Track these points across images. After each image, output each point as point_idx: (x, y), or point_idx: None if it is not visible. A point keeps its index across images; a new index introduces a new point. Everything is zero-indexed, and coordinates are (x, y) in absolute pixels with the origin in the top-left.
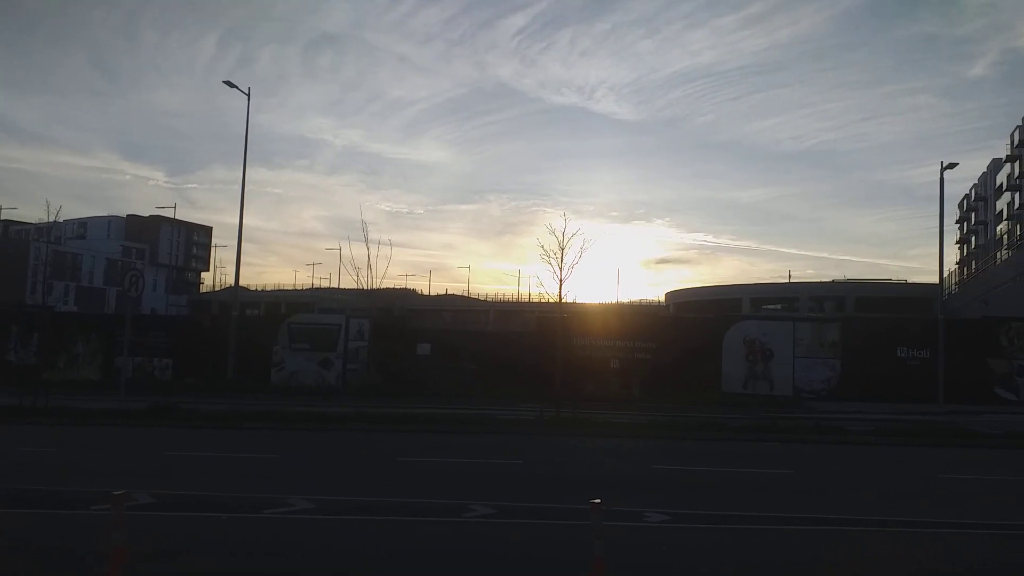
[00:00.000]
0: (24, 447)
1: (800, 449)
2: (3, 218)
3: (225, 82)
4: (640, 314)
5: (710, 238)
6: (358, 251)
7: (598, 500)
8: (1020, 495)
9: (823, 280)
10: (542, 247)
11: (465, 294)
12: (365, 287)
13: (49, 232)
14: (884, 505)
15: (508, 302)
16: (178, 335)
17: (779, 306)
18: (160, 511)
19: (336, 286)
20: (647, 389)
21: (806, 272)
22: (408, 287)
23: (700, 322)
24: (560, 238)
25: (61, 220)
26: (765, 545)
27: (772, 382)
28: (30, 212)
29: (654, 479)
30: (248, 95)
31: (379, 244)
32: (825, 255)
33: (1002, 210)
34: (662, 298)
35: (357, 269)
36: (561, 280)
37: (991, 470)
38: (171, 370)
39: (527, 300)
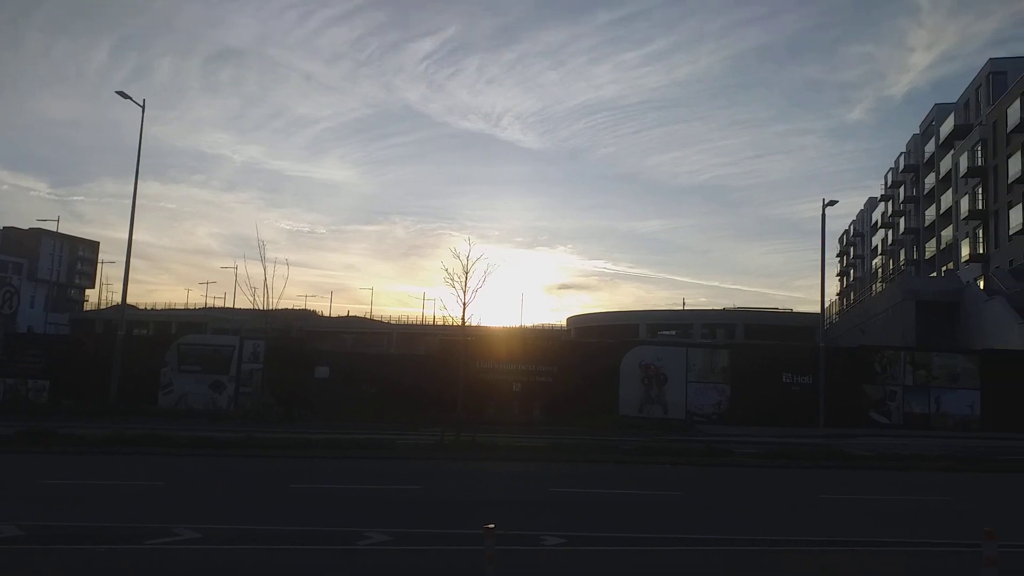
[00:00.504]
0: None
1: (690, 472)
2: None
3: (118, 92)
4: (542, 338)
5: (610, 265)
6: (255, 270)
7: (492, 525)
8: (893, 512)
9: (715, 308)
10: (446, 270)
11: (368, 316)
12: (262, 307)
13: None
14: (769, 524)
15: (412, 325)
16: (57, 355)
17: (674, 332)
18: (29, 544)
19: (231, 306)
20: (548, 412)
21: (699, 300)
22: (308, 308)
23: (600, 346)
24: (464, 262)
25: None
26: (657, 565)
27: (666, 406)
28: None
29: (552, 502)
30: (143, 106)
31: (277, 263)
32: (717, 284)
33: (877, 245)
34: (564, 323)
35: (254, 289)
36: (465, 304)
37: (866, 490)
38: (47, 392)
39: (431, 323)
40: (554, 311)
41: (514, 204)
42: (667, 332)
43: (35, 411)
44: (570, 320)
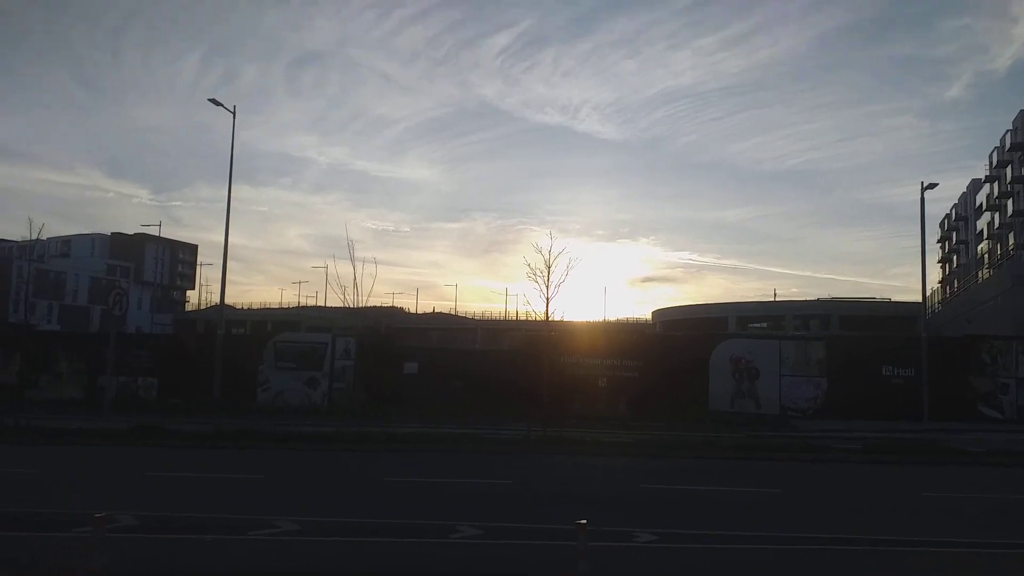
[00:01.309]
0: (3, 468)
1: (787, 468)
2: None
3: (210, 100)
4: (627, 332)
5: (695, 257)
6: (344, 269)
7: (584, 520)
8: (1003, 512)
9: (808, 299)
10: (528, 265)
11: (452, 312)
12: (351, 305)
13: (32, 250)
14: (870, 523)
15: (495, 320)
16: (163, 354)
17: (765, 324)
18: (144, 533)
19: (323, 304)
20: (635, 407)
21: (790, 291)
22: (395, 305)
23: (687, 340)
24: (546, 256)
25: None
26: (758, 564)
27: (759, 400)
28: (12, 230)
29: (643, 498)
30: (233, 113)
31: (365, 262)
32: (809, 274)
33: (982, 230)
34: (649, 316)
35: (343, 287)
36: (548, 298)
37: (975, 488)
38: (155, 389)
39: (514, 318)
40: (639, 304)
41: (594, 197)
42: (757, 325)
43: (145, 407)
44: (655, 314)
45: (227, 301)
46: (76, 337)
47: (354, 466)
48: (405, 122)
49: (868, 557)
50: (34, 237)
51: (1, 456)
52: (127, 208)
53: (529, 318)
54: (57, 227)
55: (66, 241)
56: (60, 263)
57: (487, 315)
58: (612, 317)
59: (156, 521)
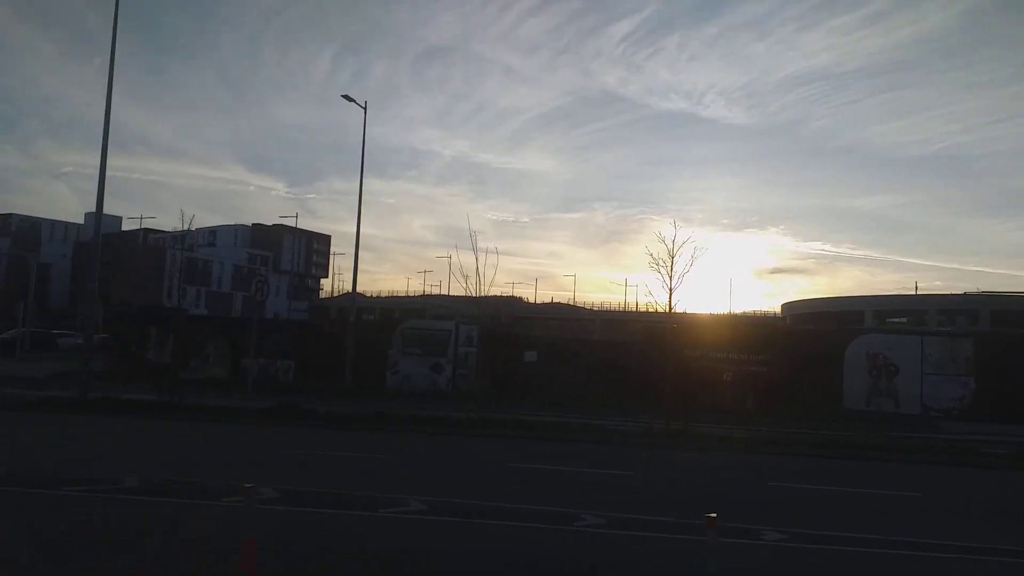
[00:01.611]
0: (163, 440)
1: (927, 471)
2: (143, 227)
3: (343, 96)
4: (754, 325)
5: (828, 247)
6: (466, 259)
7: (714, 514)
8: None
9: (954, 292)
10: (651, 255)
11: (571, 303)
12: (474, 294)
13: (183, 240)
14: (1017, 534)
15: (615, 311)
16: (299, 339)
17: (904, 319)
18: (285, 505)
19: (446, 293)
20: (762, 403)
21: (934, 284)
22: (515, 295)
23: (819, 334)
24: (669, 246)
25: (194, 229)
26: (892, 571)
27: (897, 399)
28: (165, 221)
29: (770, 496)
30: (364, 108)
31: (486, 252)
32: (955, 266)
33: None
34: (777, 309)
35: (466, 276)
36: (671, 289)
37: None
38: (292, 372)
39: (634, 310)
40: (766, 297)
41: (719, 185)
42: (897, 319)
43: (282, 388)
44: (785, 307)
45: (358, 289)
46: (221, 321)
47: (480, 450)
48: (526, 113)
49: (1015, 570)
50: (185, 228)
51: (159, 431)
52: (266, 200)
53: (649, 309)
54: (204, 218)
55: (212, 232)
56: (207, 252)
57: (605, 305)
58: (738, 309)
59: (295, 494)
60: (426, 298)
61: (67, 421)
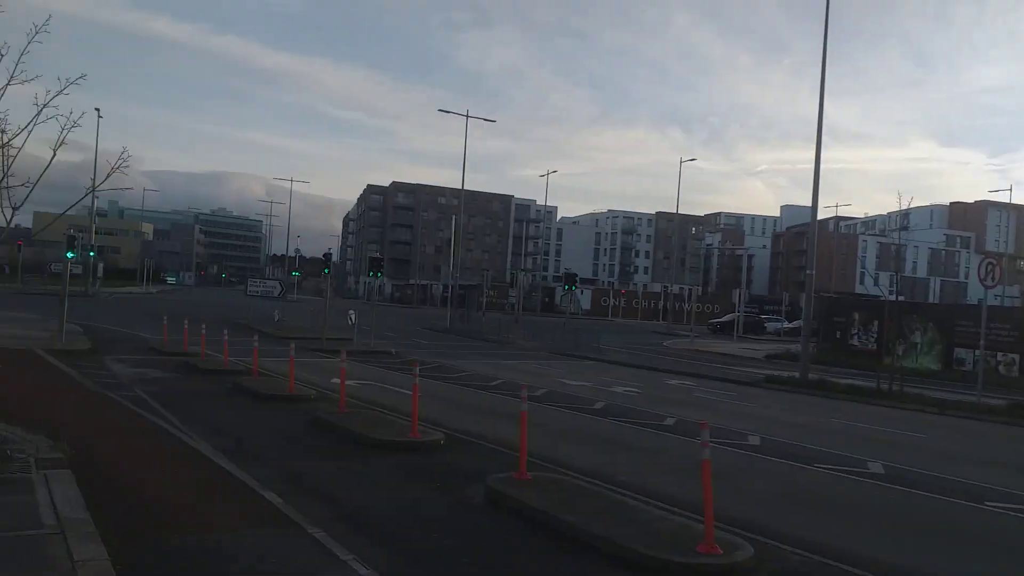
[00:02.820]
0: (885, 427)
1: None
2: (836, 215)
3: None
4: None
5: None
6: None
7: None
8: None
9: None
10: None
11: None
12: None
13: (873, 225)
14: None
15: None
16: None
17: None
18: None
19: None
20: None
21: None
22: None
23: None
24: None
25: (884, 213)
26: None
27: None
28: (853, 209)
29: None
30: None
31: None
32: None
33: None
34: None
35: None
36: None
37: None
38: (1017, 366)
39: None
40: None
41: None
42: None
43: (1006, 383)
44: None
45: None
46: (929, 308)
47: None
48: None
49: None
50: (904, 208)
51: (877, 415)
52: (962, 175)
53: None
54: (892, 202)
55: (904, 214)
56: (899, 236)
57: None
58: None
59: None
60: None
61: (792, 399)
